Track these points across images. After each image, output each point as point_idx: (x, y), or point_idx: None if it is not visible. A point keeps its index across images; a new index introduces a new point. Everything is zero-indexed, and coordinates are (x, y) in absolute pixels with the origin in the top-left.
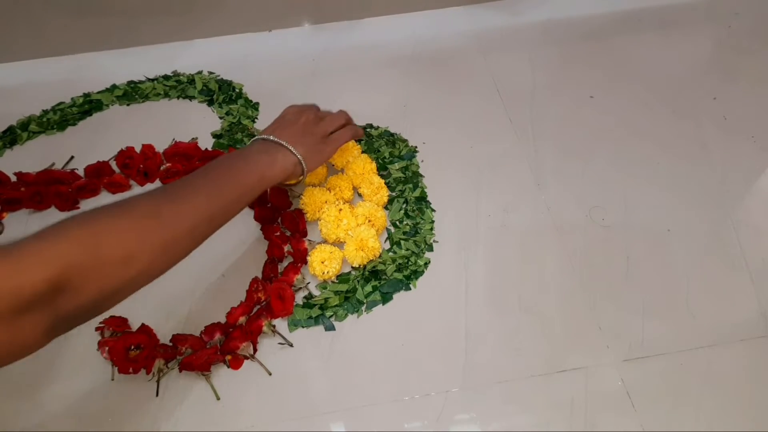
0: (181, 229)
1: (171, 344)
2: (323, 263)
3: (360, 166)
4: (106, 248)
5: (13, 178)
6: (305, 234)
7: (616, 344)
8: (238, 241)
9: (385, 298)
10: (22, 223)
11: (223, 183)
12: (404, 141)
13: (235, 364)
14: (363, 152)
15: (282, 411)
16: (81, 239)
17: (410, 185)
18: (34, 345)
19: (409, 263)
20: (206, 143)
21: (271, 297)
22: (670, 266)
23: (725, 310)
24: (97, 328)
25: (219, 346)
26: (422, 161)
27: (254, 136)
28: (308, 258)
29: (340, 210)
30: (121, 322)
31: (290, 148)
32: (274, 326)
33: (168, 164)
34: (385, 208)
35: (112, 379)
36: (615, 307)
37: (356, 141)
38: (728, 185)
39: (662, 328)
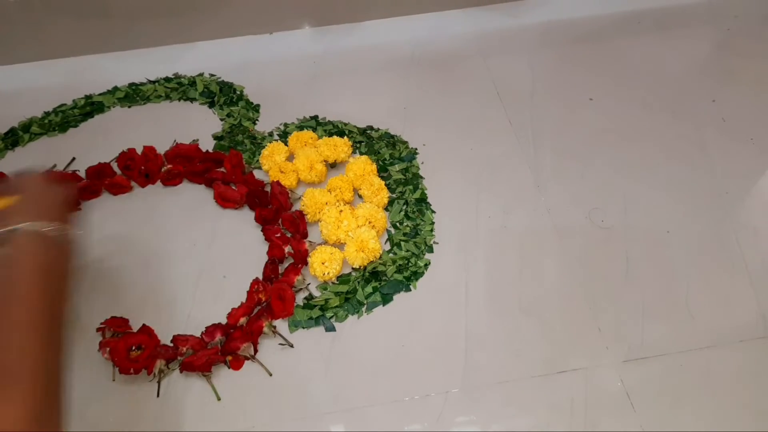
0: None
1: (172, 345)
2: (324, 264)
3: (360, 168)
4: None
5: None
6: (306, 235)
7: (616, 345)
8: (239, 242)
9: (386, 299)
10: None
11: (19, 315)
12: (404, 143)
13: (236, 364)
14: (363, 154)
15: (282, 411)
16: None
17: (410, 187)
18: None
19: (410, 264)
20: (207, 145)
21: (272, 298)
22: (670, 268)
23: (724, 311)
24: (98, 329)
25: (220, 346)
26: (422, 163)
27: (255, 137)
28: (309, 259)
29: (341, 211)
30: (122, 323)
31: (54, 228)
32: (274, 327)
33: (169, 166)
34: (386, 209)
35: (113, 380)
36: (615, 309)
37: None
38: (727, 187)
39: (662, 329)
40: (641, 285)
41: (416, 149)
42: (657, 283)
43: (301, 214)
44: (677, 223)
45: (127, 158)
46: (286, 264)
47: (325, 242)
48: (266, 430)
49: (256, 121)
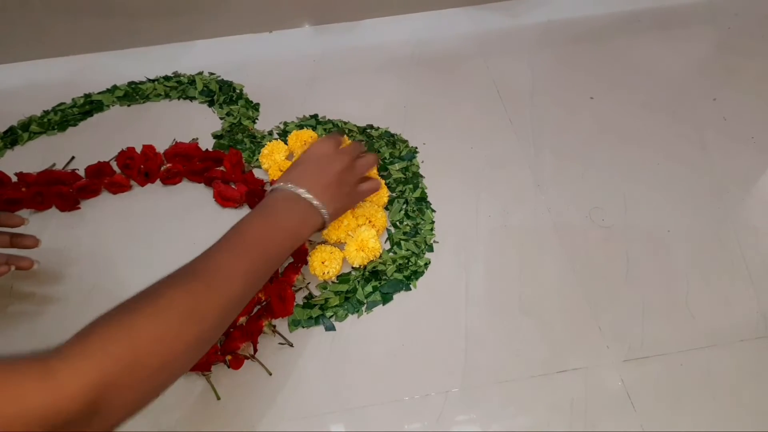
0: (216, 320)
1: None
2: (323, 263)
3: None
4: (145, 361)
5: (14, 179)
6: None
7: (616, 345)
8: None
9: (386, 299)
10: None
11: (257, 258)
12: (404, 142)
13: (236, 364)
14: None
15: (282, 411)
16: (120, 356)
17: (410, 186)
18: None
19: (410, 264)
20: (207, 144)
21: (272, 297)
22: (670, 267)
23: (725, 310)
24: None
25: (219, 346)
26: (422, 162)
27: (255, 136)
28: (308, 258)
29: None
30: None
31: (323, 209)
32: (274, 326)
33: (169, 164)
34: (386, 208)
35: None
36: (615, 308)
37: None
38: (728, 186)
39: (662, 329)
40: (641, 284)
41: (416, 148)
42: (657, 283)
43: None
44: (678, 222)
45: (126, 157)
46: (285, 263)
47: (325, 241)
48: (266, 430)
49: (256, 120)
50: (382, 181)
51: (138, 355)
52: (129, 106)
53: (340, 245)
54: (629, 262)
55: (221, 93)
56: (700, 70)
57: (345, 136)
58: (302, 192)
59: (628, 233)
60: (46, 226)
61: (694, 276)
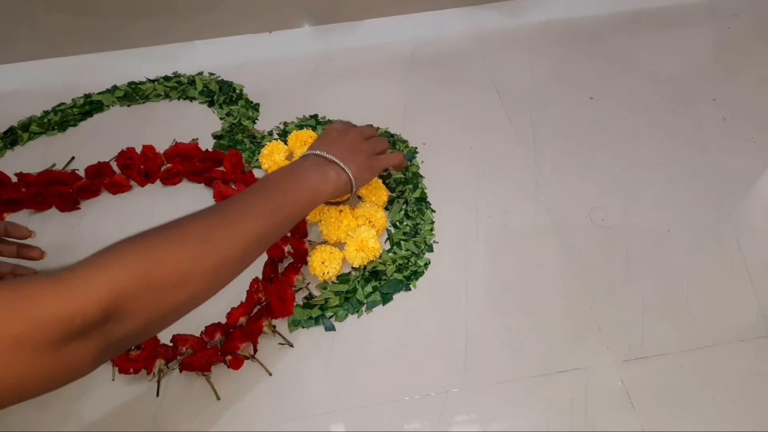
0: (233, 252)
1: (171, 344)
2: (323, 264)
3: None
4: (159, 274)
5: (14, 179)
6: (305, 234)
7: (616, 345)
8: None
9: (386, 299)
10: (23, 224)
11: (277, 202)
12: (404, 142)
13: (236, 364)
14: None
15: (282, 411)
16: (134, 266)
17: (410, 186)
18: (82, 371)
19: (410, 264)
20: (207, 144)
21: (272, 297)
22: (670, 267)
23: (725, 310)
24: None
25: (219, 346)
26: (422, 162)
27: (254, 137)
28: (308, 258)
29: (341, 211)
30: None
31: (342, 164)
32: (274, 326)
33: (169, 165)
34: (386, 208)
35: (113, 380)
36: (615, 308)
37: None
38: (728, 186)
39: (662, 329)
40: (641, 284)
41: (416, 148)
42: (657, 283)
43: None
44: (678, 222)
45: (126, 157)
46: (285, 263)
47: (325, 242)
48: (266, 430)
49: (256, 120)
50: (401, 154)
51: (153, 270)
52: (129, 106)
53: (340, 245)
54: (629, 262)
55: (221, 93)
56: (699, 71)
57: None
58: (324, 153)
59: (628, 233)
60: (46, 227)
61: (694, 276)
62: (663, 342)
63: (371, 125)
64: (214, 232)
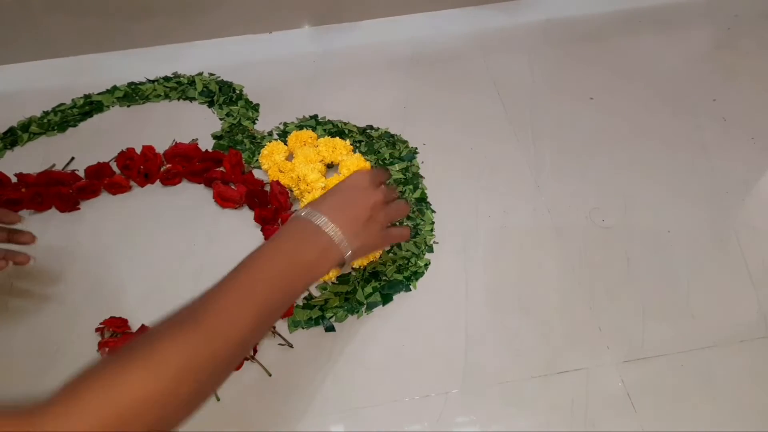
0: (217, 371)
1: None
2: None
3: (354, 164)
4: (135, 423)
5: (14, 179)
6: None
7: (617, 345)
8: (239, 241)
9: (386, 299)
10: (23, 224)
11: (269, 299)
12: (404, 142)
13: None
14: (363, 154)
15: (282, 411)
16: (107, 419)
17: (410, 186)
18: None
19: (410, 264)
20: (206, 144)
21: None
22: (670, 267)
23: (725, 311)
24: (97, 329)
25: None
26: (422, 162)
27: (254, 137)
28: None
29: None
30: (121, 323)
31: (347, 245)
32: (274, 327)
33: (168, 165)
34: None
35: None
36: (615, 309)
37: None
38: (728, 186)
39: (662, 329)
40: (641, 285)
41: (416, 149)
42: (657, 283)
43: None
44: (678, 222)
45: (126, 158)
46: None
47: None
48: (266, 430)
49: (256, 121)
50: (408, 206)
51: (126, 418)
52: (129, 106)
53: None
54: (629, 262)
55: (221, 93)
56: (699, 71)
57: (389, 173)
58: (324, 221)
59: (628, 234)
60: (46, 227)
61: (694, 276)
62: (663, 342)
63: (388, 170)
64: (198, 355)
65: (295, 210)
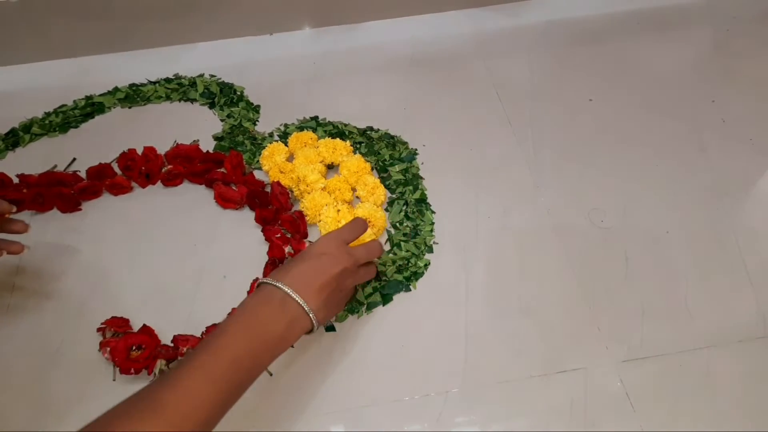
0: None
1: (172, 345)
2: None
3: (354, 165)
4: None
5: (16, 180)
6: (306, 235)
7: (616, 345)
8: (240, 242)
9: (386, 299)
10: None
11: (235, 378)
12: (404, 143)
13: None
14: (363, 155)
15: (282, 411)
16: None
17: (410, 187)
18: None
19: (409, 264)
20: (207, 145)
21: None
22: (669, 268)
23: (724, 311)
24: (98, 329)
25: None
26: (422, 163)
27: (255, 138)
28: None
29: (339, 211)
30: (122, 323)
31: (312, 316)
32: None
33: (169, 166)
34: (386, 209)
35: (114, 380)
36: (614, 309)
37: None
38: (727, 187)
39: (661, 329)
40: (641, 285)
41: (416, 150)
42: (657, 283)
43: (301, 215)
44: (677, 223)
45: (127, 159)
46: None
47: None
48: (266, 430)
49: (257, 122)
50: (381, 243)
51: None
52: (130, 107)
53: None
54: (628, 262)
55: (222, 95)
56: (698, 72)
57: (366, 226)
58: (290, 292)
59: (628, 234)
60: (47, 228)
61: (693, 276)
62: (662, 342)
63: (364, 222)
64: None
65: (260, 279)
